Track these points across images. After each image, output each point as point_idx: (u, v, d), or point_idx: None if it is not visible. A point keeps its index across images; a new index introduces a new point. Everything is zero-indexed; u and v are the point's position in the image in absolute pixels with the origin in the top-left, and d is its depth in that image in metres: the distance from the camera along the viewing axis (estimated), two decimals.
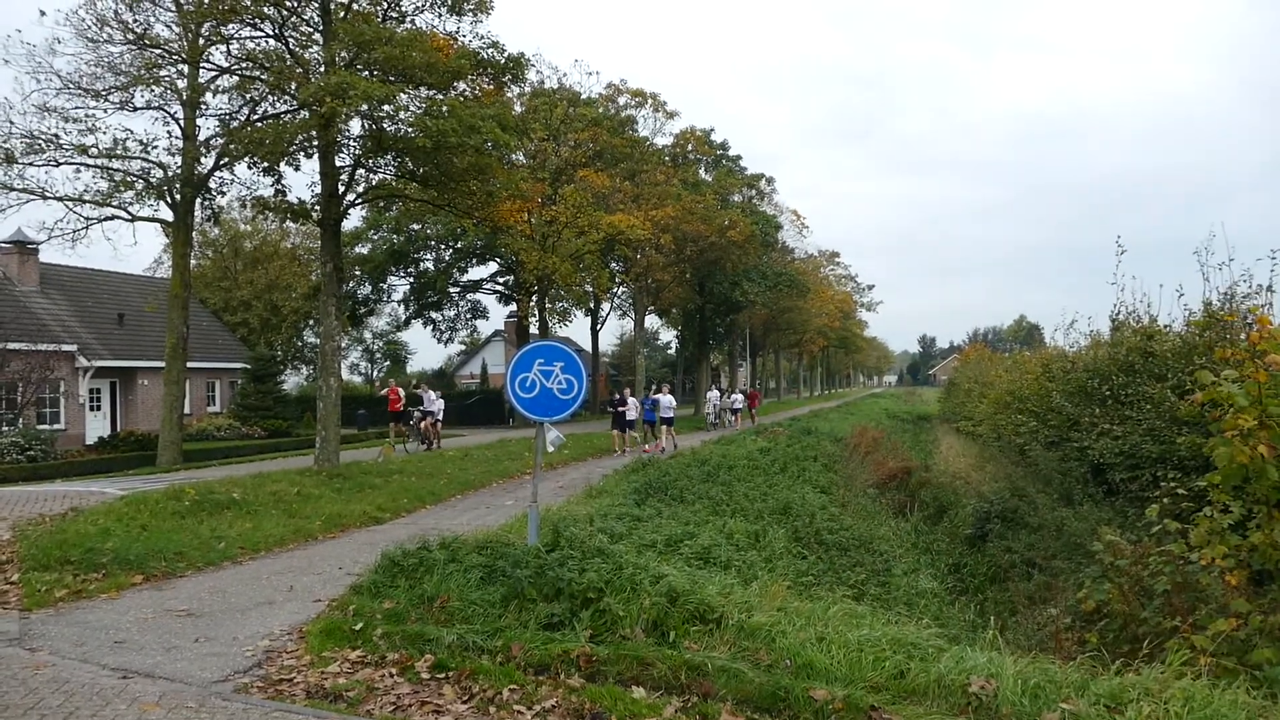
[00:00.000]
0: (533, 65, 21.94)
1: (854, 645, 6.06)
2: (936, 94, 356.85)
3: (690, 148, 44.77)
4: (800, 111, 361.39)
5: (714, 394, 38.62)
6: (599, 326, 49.70)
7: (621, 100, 39.93)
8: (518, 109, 29.01)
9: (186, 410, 29.62)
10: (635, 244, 33.83)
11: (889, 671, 5.73)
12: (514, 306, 44.43)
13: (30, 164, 21.48)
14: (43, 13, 22.21)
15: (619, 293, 47.62)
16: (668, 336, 77.93)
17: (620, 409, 25.49)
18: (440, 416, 25.84)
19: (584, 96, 36.93)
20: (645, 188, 35.51)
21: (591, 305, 45.67)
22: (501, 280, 44.95)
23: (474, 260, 43.54)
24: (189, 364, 25.70)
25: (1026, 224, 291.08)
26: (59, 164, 21.73)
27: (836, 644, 6.11)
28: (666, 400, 26.36)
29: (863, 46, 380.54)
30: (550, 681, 5.74)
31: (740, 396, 40.44)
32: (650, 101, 41.12)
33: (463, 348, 69.15)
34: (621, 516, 12.27)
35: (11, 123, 21.02)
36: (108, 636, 6.89)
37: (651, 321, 55.43)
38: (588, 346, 52.09)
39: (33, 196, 22.06)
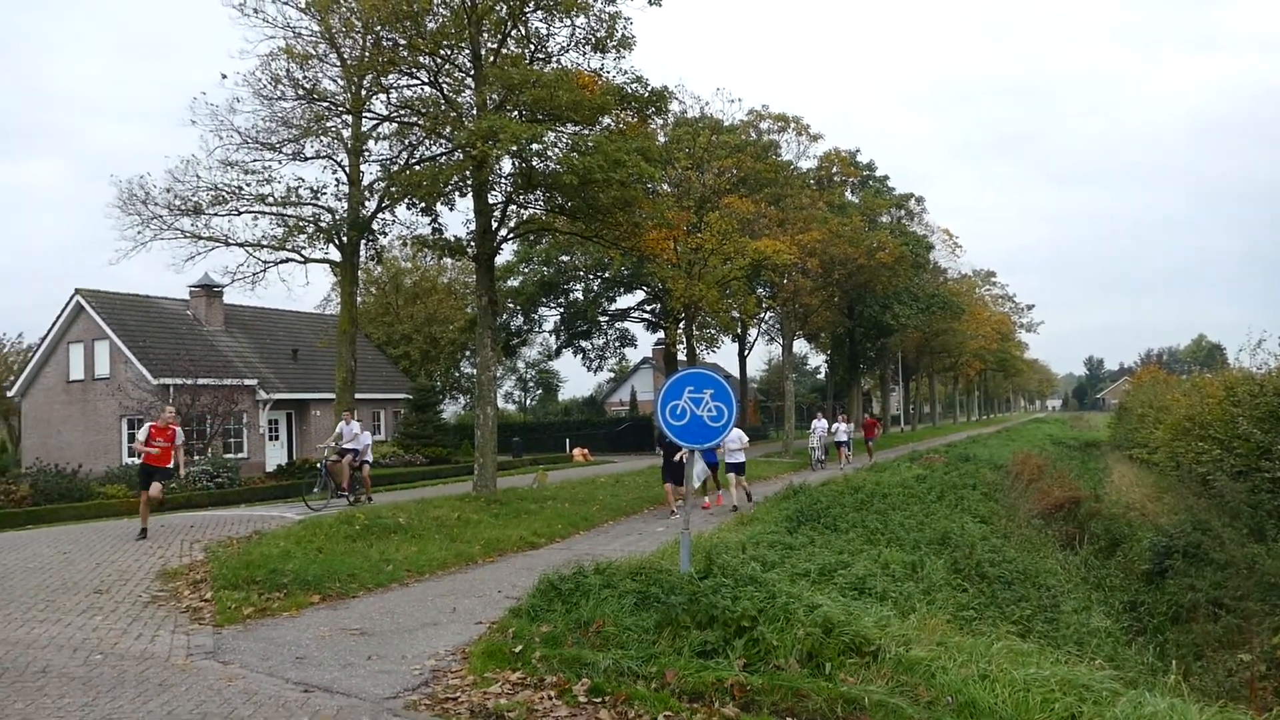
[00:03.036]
0: (675, 97, 22.28)
1: (1020, 684, 5.80)
2: (1101, 100, 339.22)
3: (835, 170, 44.28)
4: (952, 125, 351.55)
5: (820, 424, 31.13)
6: (746, 352, 49.57)
7: (764, 125, 39.92)
8: (661, 140, 29.45)
9: None
10: (782, 269, 33.62)
11: (1059, 714, 5.46)
12: (661, 334, 44.89)
13: (215, 214, 23.33)
14: (224, 75, 24.35)
15: (766, 318, 47.38)
16: (816, 361, 77.07)
17: (676, 449, 16.04)
18: (370, 457, 19.48)
19: (726, 124, 37.13)
20: (790, 212, 35.28)
21: (738, 331, 45.60)
22: (649, 308, 45.51)
23: (622, 289, 44.29)
24: (357, 395, 27.12)
25: (1204, 233, 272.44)
26: (240, 213, 23.47)
27: (1001, 682, 5.87)
28: (735, 436, 17.27)
29: (1019, 54, 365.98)
30: (705, 709, 5.75)
31: (845, 427, 31.56)
32: (793, 125, 40.93)
33: (612, 375, 70.24)
34: (773, 544, 12.16)
35: (199, 177, 22.86)
36: (290, 652, 7.35)
37: (799, 346, 54.82)
38: (735, 372, 52.00)
39: (217, 244, 23.90)
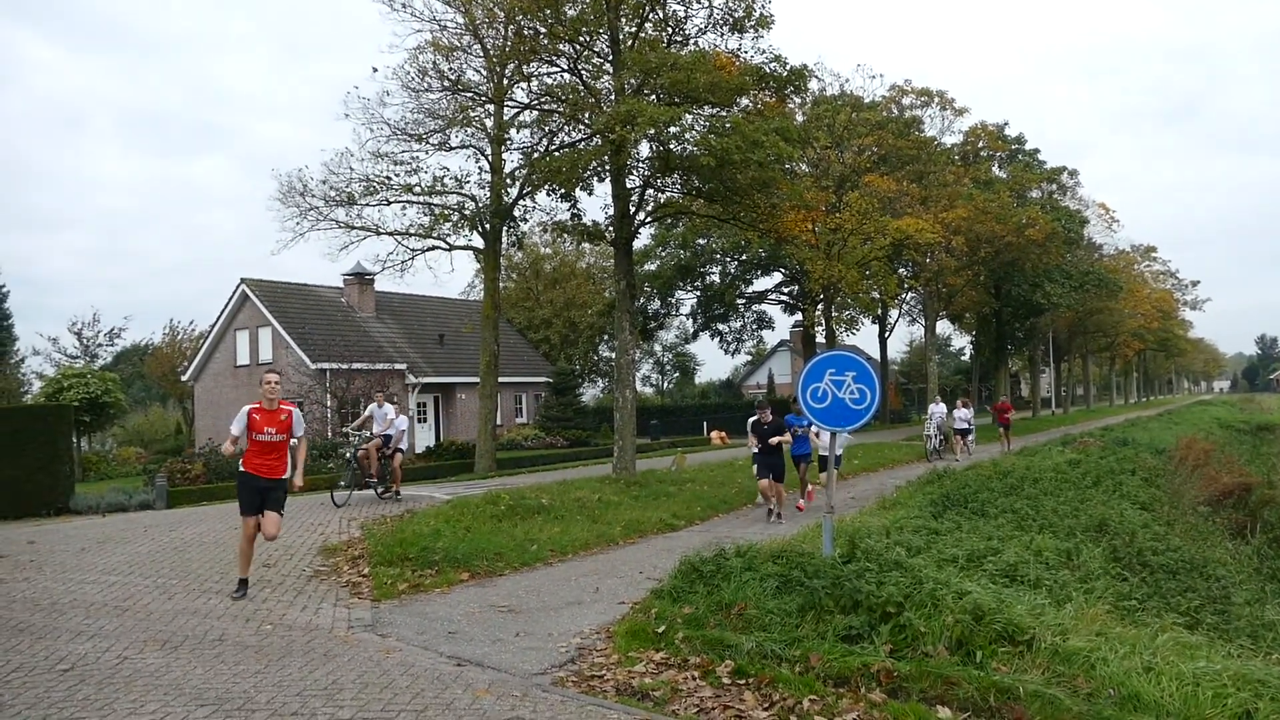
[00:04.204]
0: (814, 75, 21.81)
1: (1188, 678, 5.51)
2: (1276, 62, 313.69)
3: (981, 144, 42.59)
4: (1110, 94, 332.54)
5: (937, 409, 27.27)
6: (887, 334, 48.41)
7: (906, 101, 38.69)
8: (800, 119, 28.98)
9: (498, 421, 32.17)
10: (924, 248, 32.66)
11: (1232, 710, 5.15)
12: (799, 316, 44.34)
13: (367, 204, 24.46)
14: (374, 69, 25.28)
15: (908, 299, 46.13)
16: (961, 343, 74.64)
17: (772, 437, 14.40)
18: (404, 445, 17.06)
19: (867, 101, 36.21)
20: (934, 189, 34.19)
21: (879, 312, 44.57)
22: (786, 290, 45.01)
23: (759, 271, 43.94)
24: (500, 379, 27.88)
25: None
26: (390, 203, 24.55)
27: (1167, 675, 5.58)
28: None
29: (1185, 17, 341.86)
30: (850, 694, 5.68)
31: (965, 413, 26.79)
32: (937, 99, 39.54)
33: (749, 358, 69.94)
34: (918, 529, 11.88)
35: (351, 169, 24.03)
36: (442, 627, 7.65)
37: (943, 327, 53.28)
38: (875, 354, 50.89)
39: (369, 233, 25.09)
